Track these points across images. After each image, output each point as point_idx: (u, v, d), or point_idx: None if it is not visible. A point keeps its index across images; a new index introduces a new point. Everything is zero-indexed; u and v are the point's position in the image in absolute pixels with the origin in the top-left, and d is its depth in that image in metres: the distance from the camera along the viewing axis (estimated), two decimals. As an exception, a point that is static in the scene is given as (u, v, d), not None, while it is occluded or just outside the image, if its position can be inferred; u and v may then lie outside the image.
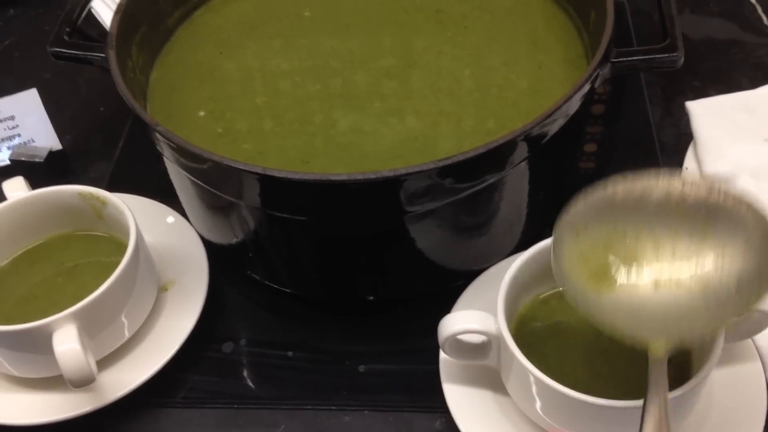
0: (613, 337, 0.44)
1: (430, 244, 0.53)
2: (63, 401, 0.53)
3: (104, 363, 0.55)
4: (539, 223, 0.57)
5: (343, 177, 0.46)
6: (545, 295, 0.53)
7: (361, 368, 0.56)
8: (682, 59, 0.53)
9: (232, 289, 0.62)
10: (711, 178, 0.44)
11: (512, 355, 0.46)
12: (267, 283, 0.60)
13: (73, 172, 0.72)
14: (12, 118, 0.70)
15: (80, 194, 0.58)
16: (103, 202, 0.58)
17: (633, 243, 0.45)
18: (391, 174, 0.46)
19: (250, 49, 0.64)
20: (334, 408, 0.54)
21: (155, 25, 0.64)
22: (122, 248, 0.54)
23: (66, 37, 0.60)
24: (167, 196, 0.63)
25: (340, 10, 0.67)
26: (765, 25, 0.80)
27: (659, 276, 0.44)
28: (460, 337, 0.49)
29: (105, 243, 0.59)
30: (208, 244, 0.61)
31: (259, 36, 0.65)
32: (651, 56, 0.54)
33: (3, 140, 0.71)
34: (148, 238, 0.59)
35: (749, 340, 0.52)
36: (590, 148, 0.70)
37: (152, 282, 0.58)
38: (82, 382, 0.50)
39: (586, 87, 0.51)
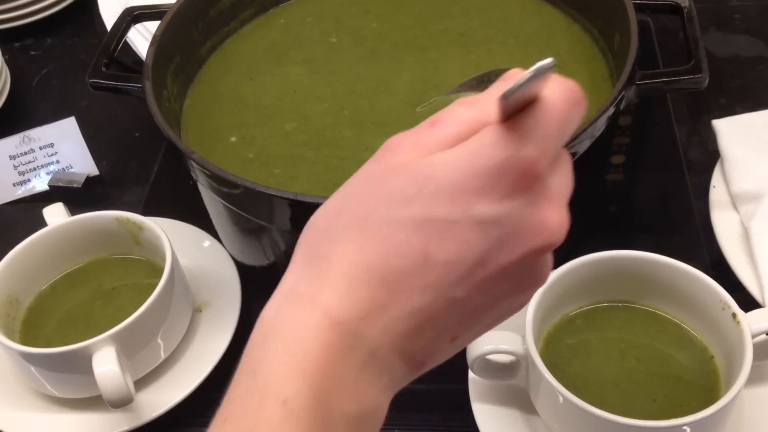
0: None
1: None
2: (101, 421, 0.55)
3: (141, 383, 0.56)
4: (566, 243, 0.58)
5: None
6: (573, 314, 0.53)
7: (390, 388, 0.57)
8: (707, 81, 0.54)
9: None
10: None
11: (540, 375, 0.47)
12: (298, 304, 0.60)
13: (109, 197, 0.74)
14: (51, 145, 0.72)
15: (118, 219, 0.60)
16: (140, 227, 0.59)
17: None
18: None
19: (279, 75, 0.66)
20: (364, 427, 0.55)
21: (188, 54, 0.65)
22: (158, 271, 0.56)
23: (103, 68, 0.62)
24: (200, 219, 0.64)
25: (366, 36, 0.68)
26: (792, 42, 0.80)
27: None
28: (488, 357, 0.50)
29: (141, 266, 0.61)
30: (240, 267, 0.62)
31: (287, 62, 0.67)
32: (676, 78, 0.54)
33: (42, 167, 0.73)
34: (182, 261, 0.60)
35: (779, 359, 0.51)
36: (618, 159, 0.70)
37: (187, 304, 0.59)
38: (121, 403, 0.51)
39: (611, 110, 0.52)
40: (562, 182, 0.31)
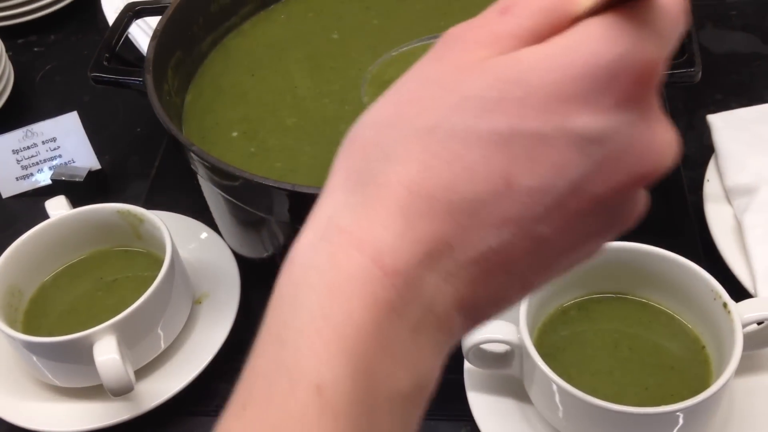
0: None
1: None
2: (102, 410, 0.56)
3: (141, 373, 0.57)
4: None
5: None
6: (567, 305, 0.54)
7: (388, 378, 0.58)
8: (700, 74, 0.54)
9: (263, 302, 0.63)
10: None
11: (534, 364, 0.48)
12: (297, 295, 0.61)
13: (111, 191, 0.75)
14: (54, 140, 0.73)
15: (119, 212, 0.60)
16: (141, 219, 0.60)
17: None
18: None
19: (281, 71, 0.66)
20: (361, 416, 0.56)
21: (189, 49, 0.66)
22: (159, 263, 0.57)
23: (105, 63, 0.63)
24: (201, 213, 0.65)
25: (368, 33, 0.69)
26: (788, 38, 0.80)
27: None
28: (483, 346, 0.51)
29: (142, 258, 0.62)
30: (239, 259, 0.63)
31: (289, 58, 0.68)
32: (669, 71, 0.55)
33: (45, 161, 0.74)
34: (183, 253, 0.61)
35: (770, 349, 0.52)
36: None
37: (187, 295, 0.60)
38: (121, 391, 0.52)
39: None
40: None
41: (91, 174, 0.74)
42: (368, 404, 0.23)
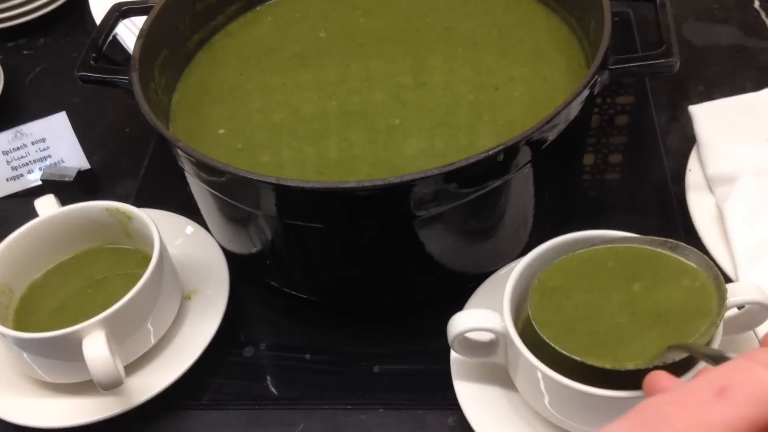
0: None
1: (441, 247, 0.56)
2: (93, 405, 0.56)
3: (132, 368, 0.58)
4: (547, 225, 0.59)
5: (353, 184, 0.49)
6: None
7: (376, 369, 0.59)
8: (678, 64, 0.55)
9: (251, 297, 0.65)
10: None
11: (519, 352, 0.48)
12: (285, 290, 0.62)
13: (101, 191, 0.75)
14: (43, 140, 0.74)
15: (108, 209, 0.61)
16: (129, 217, 0.60)
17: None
18: (398, 180, 0.48)
19: (268, 69, 0.67)
20: (350, 407, 0.56)
21: (176, 48, 0.67)
22: (148, 260, 0.57)
23: (92, 62, 0.63)
24: (190, 211, 0.66)
25: (355, 31, 0.69)
26: (769, 30, 0.81)
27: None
28: (468, 335, 0.51)
29: (132, 255, 0.62)
30: (228, 255, 0.64)
31: (276, 57, 0.68)
32: (648, 62, 0.55)
33: (35, 161, 0.74)
34: (172, 250, 0.62)
35: (751, 333, 0.53)
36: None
37: (176, 291, 0.60)
38: (111, 385, 0.52)
39: (585, 93, 0.53)
40: None
41: (81, 174, 0.74)
42: None
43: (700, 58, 0.79)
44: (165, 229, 0.60)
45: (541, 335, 0.48)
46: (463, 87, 0.62)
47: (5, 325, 0.56)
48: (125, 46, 0.79)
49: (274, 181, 0.50)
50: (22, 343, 0.54)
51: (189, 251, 0.65)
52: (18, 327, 0.58)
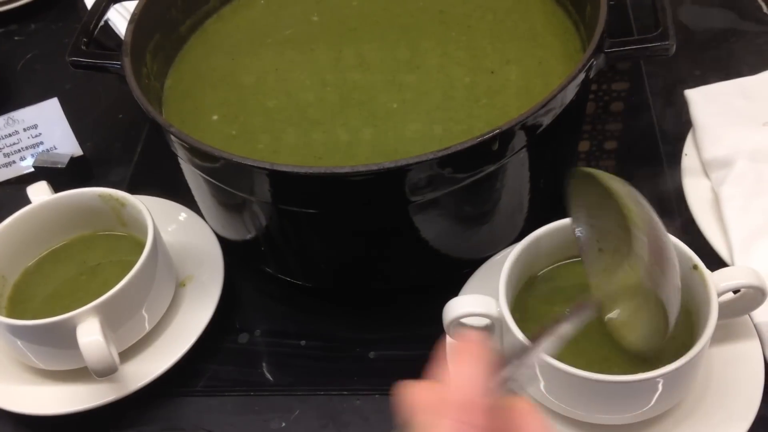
0: None
1: (436, 233, 0.55)
2: (88, 392, 0.56)
3: (126, 355, 0.57)
4: (542, 210, 0.59)
5: (347, 170, 0.48)
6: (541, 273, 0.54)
7: (371, 355, 0.59)
8: (674, 47, 0.55)
9: (246, 283, 0.65)
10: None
11: (515, 337, 0.48)
12: (280, 276, 0.62)
13: (94, 177, 0.75)
14: (35, 126, 0.73)
15: (100, 196, 0.60)
16: (122, 203, 0.60)
17: None
18: (393, 165, 0.48)
19: (261, 54, 0.67)
20: (346, 393, 0.56)
21: (168, 33, 0.66)
22: (142, 247, 0.57)
23: (83, 47, 0.62)
24: (184, 198, 0.65)
25: (347, 15, 0.69)
26: (764, 13, 0.81)
27: None
28: (464, 320, 0.51)
29: (125, 242, 0.62)
30: (223, 241, 0.64)
31: (269, 42, 0.68)
32: (643, 45, 0.55)
33: (27, 148, 0.74)
34: (166, 236, 0.61)
35: (747, 317, 0.53)
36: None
37: (170, 278, 0.60)
38: (105, 372, 0.52)
39: (581, 77, 0.53)
40: None
41: (74, 160, 0.74)
42: None
43: (696, 42, 0.78)
44: (159, 216, 0.60)
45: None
46: (458, 70, 0.62)
47: (-1, 312, 0.56)
48: (117, 32, 0.78)
49: (268, 167, 0.49)
50: (16, 331, 0.54)
51: (183, 238, 0.65)
52: (12, 314, 0.58)
